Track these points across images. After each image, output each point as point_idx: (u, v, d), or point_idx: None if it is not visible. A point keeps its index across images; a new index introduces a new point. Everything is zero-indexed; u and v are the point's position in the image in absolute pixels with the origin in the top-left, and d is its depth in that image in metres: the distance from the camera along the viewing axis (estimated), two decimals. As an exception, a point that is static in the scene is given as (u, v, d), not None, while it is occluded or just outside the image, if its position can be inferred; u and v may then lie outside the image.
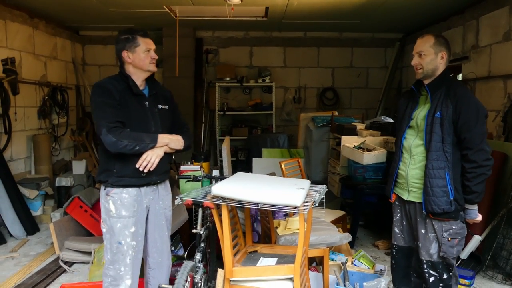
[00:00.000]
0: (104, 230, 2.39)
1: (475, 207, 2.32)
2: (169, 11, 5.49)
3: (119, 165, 2.32)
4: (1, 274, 3.60)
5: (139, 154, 2.28)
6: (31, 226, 4.69)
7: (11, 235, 4.52)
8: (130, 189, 2.35)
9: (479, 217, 2.36)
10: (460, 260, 3.47)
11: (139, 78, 2.40)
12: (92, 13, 5.66)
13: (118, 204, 2.33)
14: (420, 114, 2.38)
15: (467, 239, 3.41)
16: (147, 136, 2.29)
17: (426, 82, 2.37)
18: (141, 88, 2.42)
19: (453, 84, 2.35)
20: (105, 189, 2.37)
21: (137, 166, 2.27)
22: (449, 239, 2.30)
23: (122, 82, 2.36)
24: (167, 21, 5.98)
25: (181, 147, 2.45)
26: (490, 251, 3.60)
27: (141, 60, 2.35)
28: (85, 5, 5.17)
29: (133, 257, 2.37)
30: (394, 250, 2.59)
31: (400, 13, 5.58)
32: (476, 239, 3.45)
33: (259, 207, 2.13)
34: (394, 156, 2.54)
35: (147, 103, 2.40)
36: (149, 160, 2.28)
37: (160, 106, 2.46)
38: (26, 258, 3.96)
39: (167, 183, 2.59)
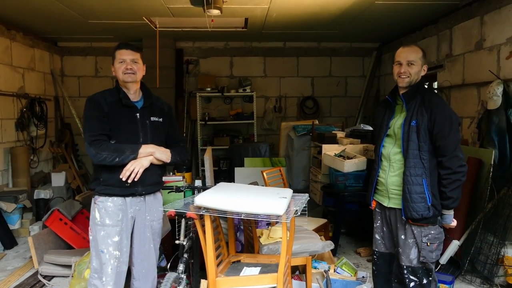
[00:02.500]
0: (90, 237, 2.44)
1: (451, 212, 2.40)
2: (149, 23, 5.50)
3: (105, 174, 2.37)
4: (-23, 291, 3.50)
5: (123, 165, 2.30)
6: (8, 240, 4.58)
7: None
8: (115, 198, 2.38)
9: (455, 222, 2.44)
10: (439, 265, 3.55)
11: (129, 90, 2.45)
12: (71, 25, 5.61)
13: (103, 212, 2.37)
14: (397, 122, 2.45)
15: (446, 244, 3.51)
16: (128, 148, 2.32)
17: (401, 91, 2.44)
18: (134, 99, 2.46)
19: (427, 93, 2.43)
20: (94, 197, 2.44)
21: (120, 176, 2.29)
22: (428, 244, 2.36)
23: (115, 94, 2.43)
24: (147, 32, 5.98)
25: (168, 160, 2.47)
26: (468, 256, 3.69)
27: (116, 71, 2.43)
28: (64, 17, 5.12)
29: (115, 267, 2.37)
30: (375, 257, 2.64)
31: (376, 23, 5.73)
32: (455, 244, 3.55)
33: (242, 217, 2.15)
34: (373, 164, 2.60)
35: (138, 115, 2.44)
36: (132, 170, 2.30)
37: (152, 118, 2.48)
38: (3, 273, 3.86)
39: (158, 195, 2.59)
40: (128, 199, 2.41)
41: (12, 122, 5.58)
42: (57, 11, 4.86)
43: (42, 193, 5.41)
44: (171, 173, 3.99)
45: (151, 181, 2.47)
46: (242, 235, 3.52)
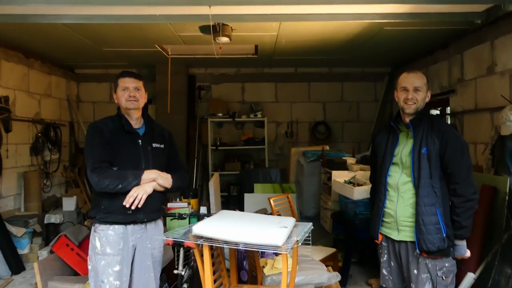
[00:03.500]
0: (89, 267, 2.40)
1: (464, 242, 2.30)
2: (161, 50, 5.62)
3: (106, 201, 2.36)
4: (-18, 318, 3.49)
5: (126, 192, 2.29)
6: (16, 265, 4.59)
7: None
8: (116, 226, 2.36)
9: (468, 253, 2.33)
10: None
11: (131, 117, 2.48)
12: (87, 53, 5.78)
13: (104, 241, 2.35)
14: (404, 150, 2.37)
15: (461, 277, 3.35)
16: (131, 174, 2.31)
17: (408, 118, 2.37)
18: (136, 126, 2.49)
19: (435, 119, 2.37)
20: (93, 225, 2.42)
21: (124, 203, 2.28)
22: (443, 277, 2.25)
23: (117, 121, 2.46)
24: (159, 59, 6.10)
25: (169, 186, 2.46)
26: (485, 288, 3.51)
27: (119, 98, 2.45)
28: (79, 45, 5.29)
29: None
30: None
31: (387, 49, 5.72)
32: (470, 277, 3.38)
33: (240, 247, 2.10)
34: (377, 194, 2.48)
35: (140, 141, 2.46)
36: (136, 196, 2.29)
37: (154, 145, 2.50)
38: (9, 300, 3.85)
39: (159, 222, 2.57)
40: (130, 227, 2.40)
41: (27, 147, 5.70)
42: (73, 40, 5.03)
43: (52, 218, 5.45)
44: (177, 199, 3.97)
45: (152, 208, 2.46)
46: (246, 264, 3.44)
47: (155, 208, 2.50)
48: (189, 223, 3.34)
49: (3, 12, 3.72)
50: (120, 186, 2.28)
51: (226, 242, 2.14)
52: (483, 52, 4.52)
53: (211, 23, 4.18)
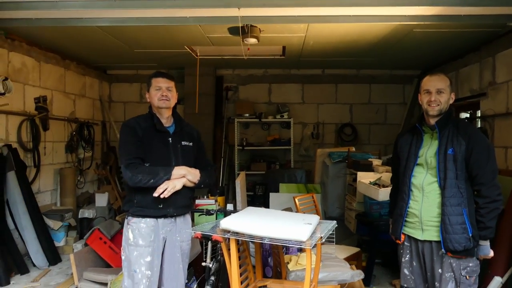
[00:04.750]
0: (123, 257, 2.54)
1: (488, 243, 2.31)
2: (190, 51, 5.77)
3: (139, 196, 2.49)
4: (21, 303, 3.70)
5: (157, 186, 2.42)
6: (53, 256, 4.83)
7: (34, 265, 4.66)
8: (148, 219, 2.49)
9: (492, 253, 2.34)
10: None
11: (162, 116, 2.59)
12: (119, 54, 6.01)
13: (136, 233, 2.48)
14: (429, 151, 2.39)
15: (488, 280, 3.31)
16: (162, 170, 2.44)
17: (433, 120, 2.40)
18: (166, 125, 2.60)
19: (461, 121, 2.40)
20: (127, 218, 2.55)
21: (154, 194, 2.40)
22: (467, 277, 2.27)
23: (149, 120, 2.57)
24: (188, 61, 6.27)
25: (197, 181, 2.56)
26: (513, 294, 3.45)
27: (152, 98, 2.56)
28: (112, 47, 5.51)
29: (146, 286, 2.46)
30: None
31: (416, 51, 5.67)
32: (497, 281, 3.33)
33: (265, 241, 2.17)
34: (400, 195, 2.51)
35: (170, 139, 2.57)
36: (165, 188, 2.41)
37: (183, 143, 2.61)
38: (46, 288, 4.07)
39: (187, 217, 2.69)
40: (160, 220, 2.52)
41: (62, 145, 5.98)
42: (106, 42, 5.25)
43: (86, 213, 5.69)
44: (205, 197, 4.08)
45: (182, 204, 2.58)
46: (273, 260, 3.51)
47: (184, 203, 2.62)
48: (216, 219, 3.44)
49: (43, 16, 3.93)
50: (152, 180, 2.40)
51: (251, 237, 2.22)
52: (516, 54, 4.44)
53: (240, 25, 4.28)
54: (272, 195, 5.40)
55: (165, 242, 2.56)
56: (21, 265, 4.49)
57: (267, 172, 6.64)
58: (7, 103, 4.72)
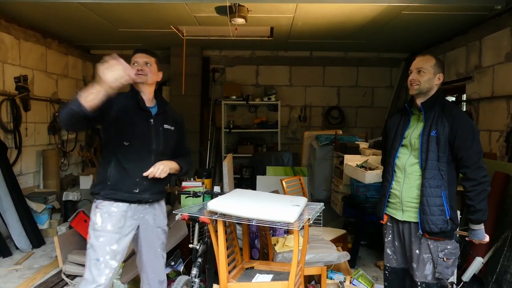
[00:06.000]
0: (88, 245, 2.33)
1: (482, 226, 2.31)
2: (177, 31, 5.64)
3: (114, 178, 2.33)
4: (5, 286, 3.65)
5: (134, 170, 2.32)
6: (37, 239, 4.76)
7: (17, 248, 4.59)
8: (120, 204, 2.33)
9: (487, 238, 2.34)
10: (462, 283, 3.42)
11: (144, 94, 2.44)
12: (103, 33, 5.84)
13: (106, 217, 2.29)
14: (414, 133, 2.39)
15: (469, 261, 3.39)
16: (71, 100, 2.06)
17: (419, 101, 2.39)
18: (149, 105, 2.45)
19: (447, 104, 2.38)
20: (95, 202, 2.36)
21: (144, 174, 2.30)
22: (445, 259, 2.28)
23: (131, 98, 2.41)
24: (175, 41, 6.14)
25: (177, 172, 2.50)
26: (494, 274, 3.54)
27: None
28: (96, 26, 5.35)
29: (109, 278, 2.28)
30: (387, 272, 2.56)
31: (404, 34, 5.66)
32: (478, 261, 3.41)
33: (253, 223, 2.16)
34: (384, 176, 2.53)
35: (152, 120, 2.43)
36: (157, 171, 2.32)
37: (166, 126, 2.48)
38: (30, 271, 4.01)
39: (162, 203, 2.57)
40: (134, 205, 2.37)
41: (45, 126, 5.84)
42: (89, 20, 5.09)
43: (70, 195, 5.61)
44: (192, 179, 4.05)
45: (158, 189, 2.48)
46: (260, 242, 3.52)
47: (161, 189, 2.51)
48: (203, 201, 3.43)
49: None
50: (64, 110, 2.03)
51: (239, 218, 2.21)
52: (502, 39, 4.45)
53: (227, 4, 4.19)
54: (259, 178, 5.40)
55: (137, 229, 2.42)
56: (4, 248, 4.42)
57: (254, 155, 6.63)
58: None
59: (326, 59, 7.29)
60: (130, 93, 2.45)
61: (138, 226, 2.42)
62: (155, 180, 2.35)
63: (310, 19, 5.02)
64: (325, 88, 7.40)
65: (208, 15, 4.86)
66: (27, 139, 5.39)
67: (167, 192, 5.01)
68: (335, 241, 3.65)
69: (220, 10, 4.58)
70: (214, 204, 2.24)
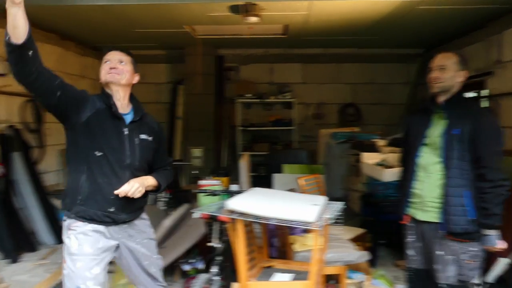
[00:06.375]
0: (64, 272, 2.04)
1: (494, 232, 2.20)
2: (190, 31, 5.66)
3: (86, 192, 2.01)
4: (32, 280, 3.77)
5: (107, 186, 2.02)
6: (60, 234, 4.85)
7: (41, 243, 4.73)
8: (96, 225, 2.03)
9: (500, 244, 2.23)
10: (486, 284, 3.34)
11: (117, 98, 2.12)
12: (118, 34, 5.90)
13: (81, 238, 2.00)
14: (436, 131, 2.33)
15: (493, 261, 3.30)
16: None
17: (441, 99, 2.34)
18: (122, 111, 2.13)
19: (469, 101, 2.34)
20: (65, 220, 2.06)
21: (115, 192, 2.00)
22: (468, 261, 2.21)
23: (102, 100, 2.10)
24: (189, 40, 6.16)
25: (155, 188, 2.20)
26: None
27: (100, 74, 2.15)
28: (111, 27, 5.41)
29: None
30: (409, 274, 2.51)
31: (420, 29, 5.57)
32: (503, 262, 3.32)
33: (273, 223, 2.16)
34: (405, 175, 2.47)
35: (126, 130, 2.11)
36: (130, 189, 2.01)
37: (142, 136, 2.16)
38: (54, 266, 4.11)
39: (142, 216, 2.28)
40: (111, 227, 2.08)
41: (64, 126, 5.92)
42: (105, 22, 5.15)
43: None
44: (209, 177, 4.06)
45: (135, 207, 2.17)
46: (276, 241, 3.52)
47: (139, 206, 2.21)
48: (220, 200, 3.43)
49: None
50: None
51: (259, 218, 2.20)
52: (524, 32, 4.35)
53: (240, 2, 4.19)
54: (275, 176, 5.39)
55: (118, 249, 2.14)
56: (29, 244, 4.55)
57: (269, 153, 6.63)
58: (10, 84, 4.67)
59: (340, 56, 7.23)
60: (101, 96, 2.13)
61: (118, 245, 2.14)
62: (132, 198, 2.03)
63: (323, 16, 4.99)
64: (340, 85, 7.34)
65: (222, 14, 4.86)
66: (50, 139, 5.52)
67: (184, 190, 5.07)
68: (354, 240, 3.62)
69: (234, 9, 4.58)
70: (234, 204, 2.24)
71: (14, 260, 4.21)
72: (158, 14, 4.87)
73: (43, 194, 4.90)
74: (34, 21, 5.06)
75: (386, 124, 7.23)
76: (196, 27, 5.62)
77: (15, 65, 1.82)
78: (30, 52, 1.83)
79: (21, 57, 1.80)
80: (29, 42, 1.81)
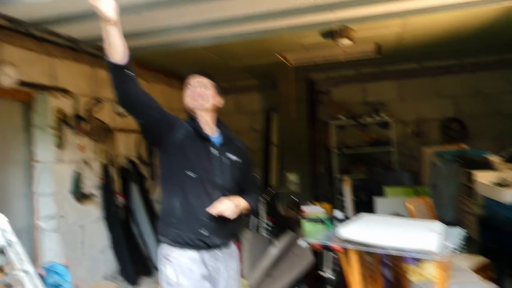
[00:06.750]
0: None
1: None
2: (283, 59, 5.80)
3: (180, 215, 2.02)
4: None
5: (200, 207, 2.01)
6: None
7: (156, 268, 5.00)
8: (190, 252, 2.02)
9: None
10: None
11: (203, 122, 2.16)
12: (215, 68, 6.25)
13: (178, 271, 2.00)
14: None
15: None
16: None
17: None
18: (210, 133, 2.17)
19: None
20: (162, 247, 2.06)
21: (208, 209, 1.99)
22: None
23: (190, 125, 2.15)
24: (280, 68, 6.31)
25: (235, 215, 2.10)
26: None
27: (184, 99, 2.20)
28: (210, 62, 5.78)
29: None
30: None
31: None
32: None
33: (391, 253, 2.06)
34: None
35: (215, 151, 2.13)
36: (223, 209, 1.99)
37: (233, 158, 2.17)
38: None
39: (232, 247, 2.22)
40: (203, 252, 2.04)
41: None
42: (205, 58, 5.54)
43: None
44: (309, 203, 4.03)
45: (228, 232, 2.13)
46: (386, 270, 3.34)
47: (232, 231, 2.18)
48: (325, 227, 3.37)
49: (154, 43, 4.30)
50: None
51: (374, 247, 2.12)
52: None
53: (333, 28, 4.20)
54: (378, 200, 5.17)
55: (212, 282, 2.08)
56: (146, 268, 4.94)
57: (369, 175, 6.39)
58: (128, 123, 5.24)
59: (438, 69, 6.79)
60: (188, 120, 2.19)
61: (211, 273, 2.09)
62: (225, 220, 2.01)
63: (419, 30, 4.77)
64: (438, 99, 6.87)
65: (313, 40, 4.91)
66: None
67: (285, 217, 5.09)
68: (475, 270, 3.28)
69: (325, 34, 4.60)
70: (348, 232, 2.19)
71: (134, 283, 4.60)
72: (251, 45, 5.10)
73: (156, 222, 5.33)
74: (140, 62, 5.69)
75: (498, 138, 6.56)
76: (287, 54, 5.75)
77: (117, 87, 1.87)
78: (130, 73, 1.88)
79: (121, 77, 1.84)
80: (128, 63, 1.87)
